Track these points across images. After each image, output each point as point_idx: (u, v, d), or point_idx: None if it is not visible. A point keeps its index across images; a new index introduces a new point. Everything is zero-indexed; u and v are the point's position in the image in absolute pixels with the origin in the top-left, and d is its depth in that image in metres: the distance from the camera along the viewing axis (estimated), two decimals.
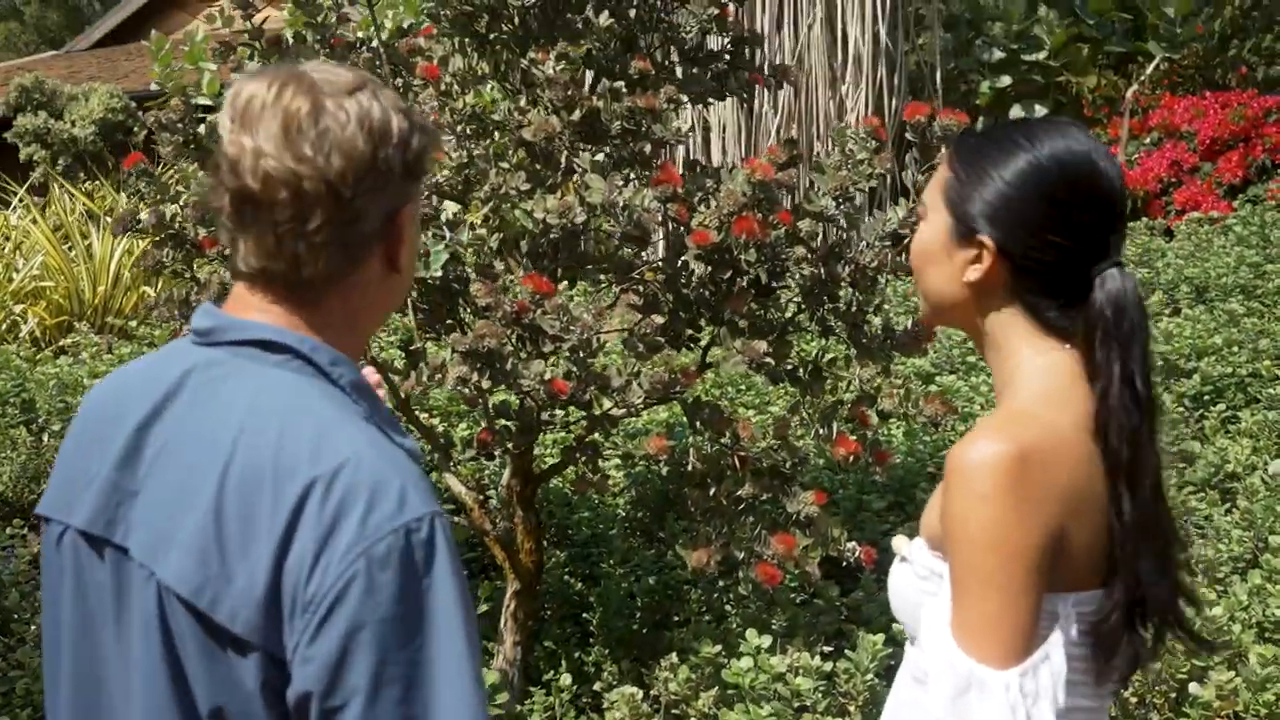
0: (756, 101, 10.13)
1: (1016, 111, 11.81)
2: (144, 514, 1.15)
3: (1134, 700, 2.96)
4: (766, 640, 2.99)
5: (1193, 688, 2.81)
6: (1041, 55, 11.59)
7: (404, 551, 1.08)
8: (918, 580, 1.44)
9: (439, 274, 2.86)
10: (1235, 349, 5.33)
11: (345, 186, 1.14)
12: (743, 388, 5.79)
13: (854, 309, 3.17)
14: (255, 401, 1.14)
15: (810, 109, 10.26)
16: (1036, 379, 1.37)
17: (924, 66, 11.38)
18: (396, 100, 1.21)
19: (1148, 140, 10.70)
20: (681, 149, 10.30)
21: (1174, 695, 2.94)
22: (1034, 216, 1.35)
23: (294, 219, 1.14)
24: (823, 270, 3.08)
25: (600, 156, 3.03)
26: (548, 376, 2.80)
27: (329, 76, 1.17)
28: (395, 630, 1.06)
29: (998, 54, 11.71)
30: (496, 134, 3.15)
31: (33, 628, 3.62)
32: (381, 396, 1.66)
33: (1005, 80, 11.76)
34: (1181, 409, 4.95)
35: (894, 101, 10.45)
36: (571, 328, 2.79)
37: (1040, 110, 11.65)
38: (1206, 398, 5.09)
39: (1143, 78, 11.22)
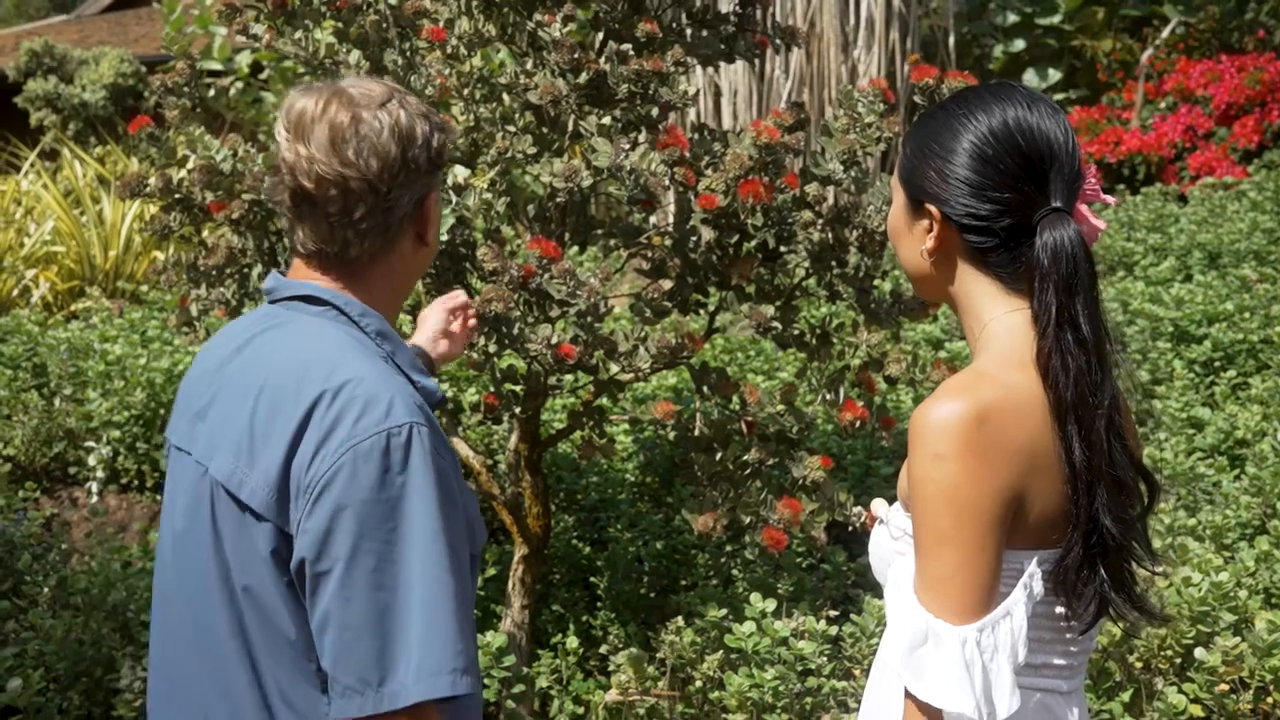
0: (767, 65, 10.06)
1: (1030, 76, 11.73)
2: (206, 429, 1.46)
3: (1139, 665, 2.96)
4: (771, 604, 3.00)
5: (1198, 653, 2.81)
6: (1056, 19, 11.49)
7: (384, 450, 1.33)
8: (891, 540, 1.46)
9: (445, 238, 2.85)
10: (1247, 315, 5.30)
11: (382, 183, 1.43)
12: (751, 353, 5.79)
13: (862, 274, 3.16)
14: (294, 340, 1.45)
15: (822, 73, 10.19)
16: (1000, 340, 1.39)
17: (937, 30, 11.28)
18: (420, 106, 1.49)
19: (1163, 105, 10.61)
20: (691, 113, 10.28)
21: (1179, 660, 2.94)
22: (970, 178, 1.38)
23: (342, 211, 1.44)
24: (830, 235, 3.06)
25: (607, 120, 3.01)
26: (554, 341, 2.80)
27: (364, 91, 1.46)
28: (372, 512, 1.32)
29: (1011, 17, 11.62)
30: (505, 97, 3.13)
31: (45, 590, 3.65)
32: (469, 318, 2.11)
33: (1019, 44, 11.67)
34: (1192, 375, 4.94)
35: (906, 65, 10.38)
36: (578, 292, 2.78)
37: (1054, 74, 11.56)
38: (1217, 364, 5.08)
39: (1158, 41, 11.11)
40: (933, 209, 1.42)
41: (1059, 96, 11.79)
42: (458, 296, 2.12)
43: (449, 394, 4.87)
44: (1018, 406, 1.32)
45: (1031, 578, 1.32)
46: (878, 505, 1.58)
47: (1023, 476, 1.31)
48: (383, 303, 1.52)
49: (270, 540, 1.36)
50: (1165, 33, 11.22)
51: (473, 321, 2.14)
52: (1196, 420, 4.47)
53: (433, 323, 2.07)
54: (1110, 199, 1.55)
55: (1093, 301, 1.35)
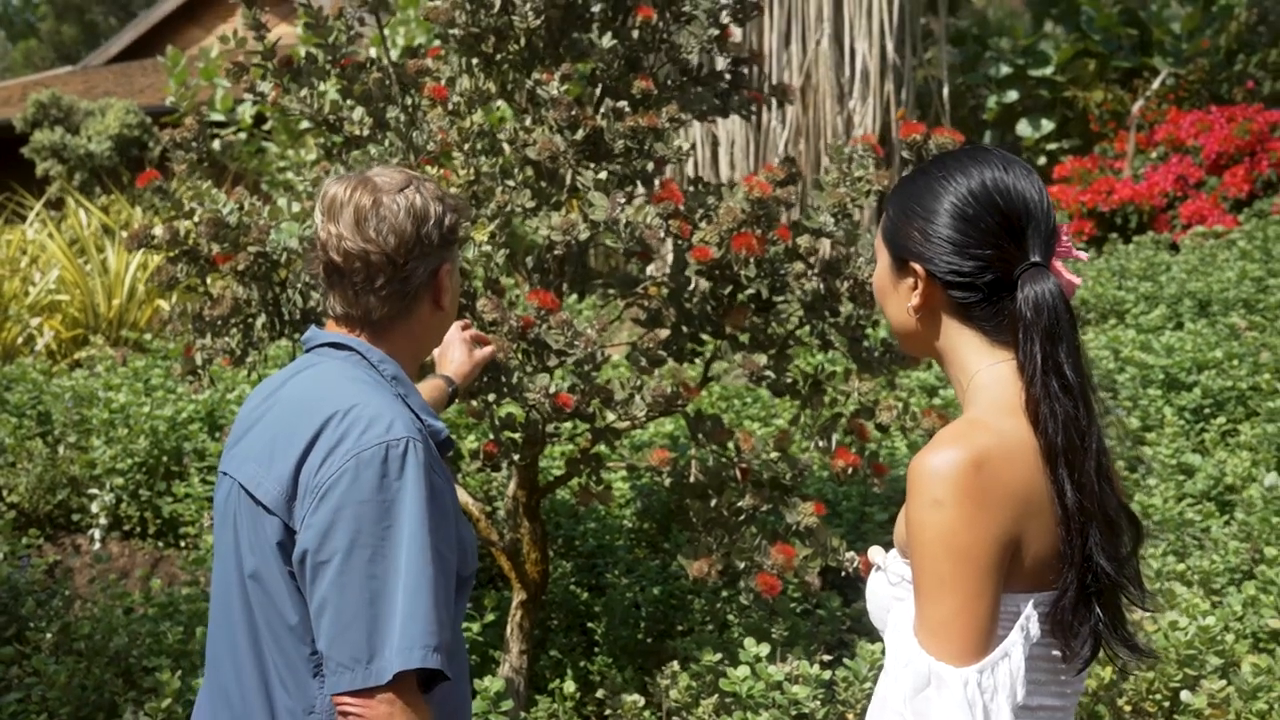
0: (765, 117, 10.20)
1: (1023, 126, 11.88)
2: (240, 451, 1.69)
3: (1128, 709, 3.00)
4: (765, 649, 3.04)
5: (1184, 696, 2.86)
6: (1048, 70, 11.65)
7: (383, 459, 1.54)
8: (889, 586, 1.51)
9: None
10: (1236, 362, 5.37)
11: (399, 256, 1.65)
12: (748, 400, 5.85)
13: (854, 323, 3.23)
14: (318, 378, 1.67)
15: (818, 124, 10.33)
16: (989, 390, 1.45)
17: (931, 82, 11.44)
18: (435, 189, 1.72)
19: (1154, 155, 10.74)
20: (690, 163, 10.41)
21: (1167, 704, 2.98)
22: (952, 236, 1.45)
23: (365, 281, 1.66)
24: (823, 285, 3.14)
25: (603, 174, 3.10)
26: (552, 390, 2.86)
27: (387, 179, 1.69)
28: (369, 512, 1.52)
29: (1004, 69, 11.78)
30: (506, 149, 3.21)
31: (49, 636, 3.69)
32: (474, 353, 2.38)
33: (1012, 95, 11.83)
34: (1182, 422, 5.00)
35: (896, 117, 10.52)
36: (576, 342, 2.85)
37: (1047, 125, 11.71)
38: (1207, 410, 5.14)
39: (1149, 92, 11.27)
40: (917, 267, 1.48)
41: (1052, 147, 11.94)
42: (467, 323, 2.44)
43: None
44: (1010, 452, 1.37)
45: (1028, 620, 1.37)
46: (875, 553, 1.62)
47: (1018, 520, 1.36)
48: (403, 357, 1.74)
49: (278, 533, 1.57)
50: (1156, 84, 11.37)
51: (486, 350, 2.43)
52: (1187, 466, 4.52)
53: (456, 349, 2.36)
54: (1083, 255, 1.63)
55: (1075, 350, 1.42)
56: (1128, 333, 6.11)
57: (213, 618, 1.74)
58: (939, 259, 1.46)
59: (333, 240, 1.65)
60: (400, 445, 1.55)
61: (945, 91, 10.96)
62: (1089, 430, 1.39)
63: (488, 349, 2.44)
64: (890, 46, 10.31)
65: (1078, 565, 1.38)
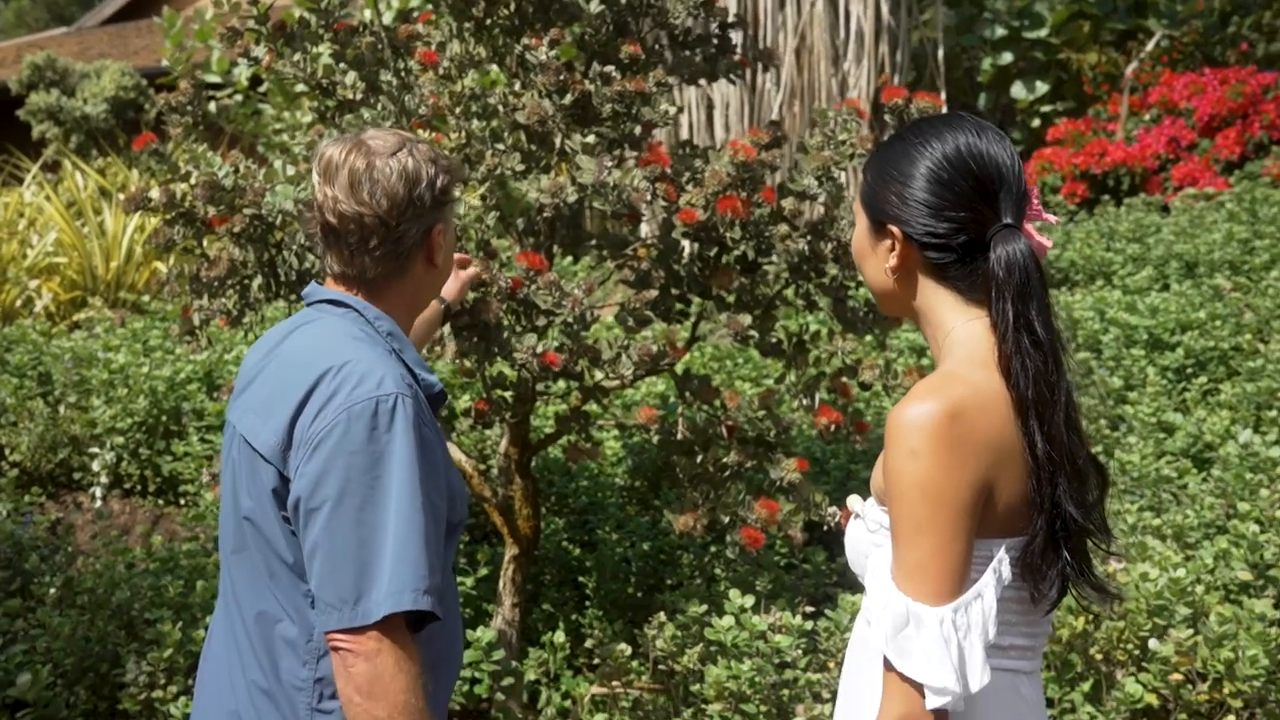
0: (759, 79, 10.21)
1: (1018, 88, 11.89)
2: (243, 402, 1.78)
3: (1100, 657, 3.10)
4: (749, 600, 3.13)
5: (1152, 644, 2.95)
6: (1043, 32, 11.65)
7: (373, 412, 1.62)
8: (868, 534, 1.59)
9: None
10: (1219, 323, 5.45)
11: (391, 218, 1.72)
12: (740, 361, 5.93)
13: (838, 284, 3.30)
14: (316, 334, 1.75)
15: (812, 85, 10.35)
16: (964, 345, 1.52)
17: (926, 43, 11.44)
18: (428, 151, 1.77)
19: (1147, 117, 10.77)
20: (685, 125, 10.44)
21: (1137, 653, 3.08)
22: (926, 199, 1.52)
23: (360, 242, 1.73)
24: (808, 247, 3.21)
25: (592, 138, 3.16)
26: (540, 350, 2.94)
27: (380, 142, 1.74)
28: (359, 462, 1.60)
29: (1000, 31, 11.77)
30: (500, 113, 3.27)
31: (52, 590, 3.78)
32: (459, 273, 2.49)
33: (1007, 57, 11.82)
34: (1165, 381, 5.08)
35: (896, 78, 10.53)
36: (563, 303, 2.92)
37: (1041, 87, 11.72)
38: (1189, 370, 5.23)
39: (1143, 55, 11.28)
40: (894, 229, 1.55)
41: (1046, 109, 11.95)
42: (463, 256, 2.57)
43: None
44: (984, 403, 1.45)
45: (1000, 563, 1.45)
46: (853, 501, 1.70)
47: (991, 468, 1.43)
48: (398, 314, 1.81)
49: (273, 480, 1.66)
50: (1150, 46, 11.38)
51: (470, 270, 2.54)
52: (1167, 425, 4.61)
53: (459, 275, 2.51)
54: (1052, 218, 1.70)
55: (1045, 308, 1.49)
56: (1114, 294, 6.18)
57: (221, 555, 1.83)
58: (915, 221, 1.53)
59: (328, 202, 1.72)
60: (390, 400, 1.62)
61: (940, 53, 10.96)
62: (1058, 384, 1.47)
63: (471, 269, 2.55)
64: (885, 8, 10.32)
65: (1047, 512, 1.46)
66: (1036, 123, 11.98)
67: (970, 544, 1.43)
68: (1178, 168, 9.78)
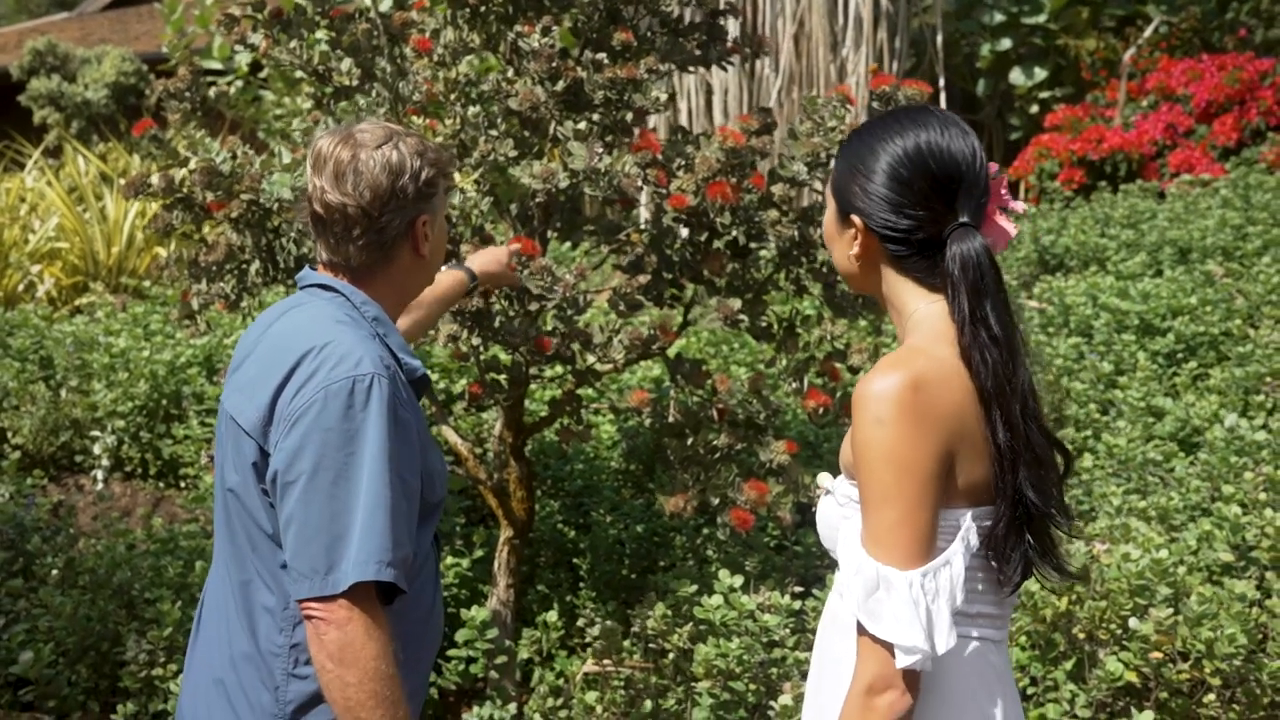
0: (758, 65, 10.23)
1: (1016, 74, 11.90)
2: (233, 383, 1.85)
3: (1082, 636, 3.15)
4: (739, 580, 3.19)
5: (1132, 623, 3.00)
6: (1042, 18, 11.65)
7: (349, 391, 1.69)
8: (838, 507, 1.64)
9: None
10: (1210, 308, 5.49)
11: (374, 209, 1.79)
12: (736, 345, 5.98)
13: (828, 269, 3.34)
14: (303, 317, 1.81)
15: (811, 71, 10.36)
16: (925, 324, 1.59)
17: (925, 29, 11.45)
18: (416, 144, 1.83)
19: (1145, 103, 10.78)
20: (685, 111, 10.46)
21: (1120, 631, 3.13)
22: (888, 195, 1.59)
23: (344, 231, 1.80)
24: (798, 232, 3.25)
25: (583, 125, 3.20)
26: (532, 334, 2.99)
27: (368, 135, 1.81)
28: (333, 439, 1.67)
29: (998, 16, 11.77)
30: (493, 99, 3.31)
31: (54, 570, 3.84)
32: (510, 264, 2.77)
33: (1006, 43, 11.83)
34: (1155, 366, 5.12)
35: (895, 64, 10.55)
36: (555, 287, 2.97)
37: (1040, 73, 11.73)
38: (1180, 355, 5.27)
39: (1141, 40, 11.29)
40: (857, 220, 1.62)
41: (1044, 95, 11.96)
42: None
43: (441, 384, 5.06)
44: (947, 376, 1.52)
45: (968, 531, 1.52)
46: (823, 478, 1.76)
47: (953, 438, 1.50)
48: (386, 300, 1.87)
49: (253, 454, 1.74)
50: (1148, 32, 11.39)
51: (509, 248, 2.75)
52: (1157, 409, 4.66)
53: (496, 252, 2.74)
54: (1020, 205, 1.74)
55: (1000, 303, 1.55)
56: (1106, 279, 6.22)
57: (215, 527, 1.91)
58: (876, 215, 1.59)
59: (316, 192, 1.79)
60: (366, 380, 1.69)
61: (939, 39, 10.98)
62: (1014, 376, 1.53)
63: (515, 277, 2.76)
64: None
65: (1009, 497, 1.53)
66: (1035, 109, 12.00)
67: (936, 510, 1.49)
68: (1175, 154, 9.80)
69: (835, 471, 1.73)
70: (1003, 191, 1.68)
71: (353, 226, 1.79)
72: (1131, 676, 2.96)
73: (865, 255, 1.63)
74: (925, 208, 1.57)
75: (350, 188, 1.77)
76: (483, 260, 2.68)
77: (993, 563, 1.55)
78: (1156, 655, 2.99)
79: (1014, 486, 1.52)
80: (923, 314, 1.59)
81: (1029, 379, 1.56)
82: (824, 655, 1.71)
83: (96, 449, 5.24)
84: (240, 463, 1.76)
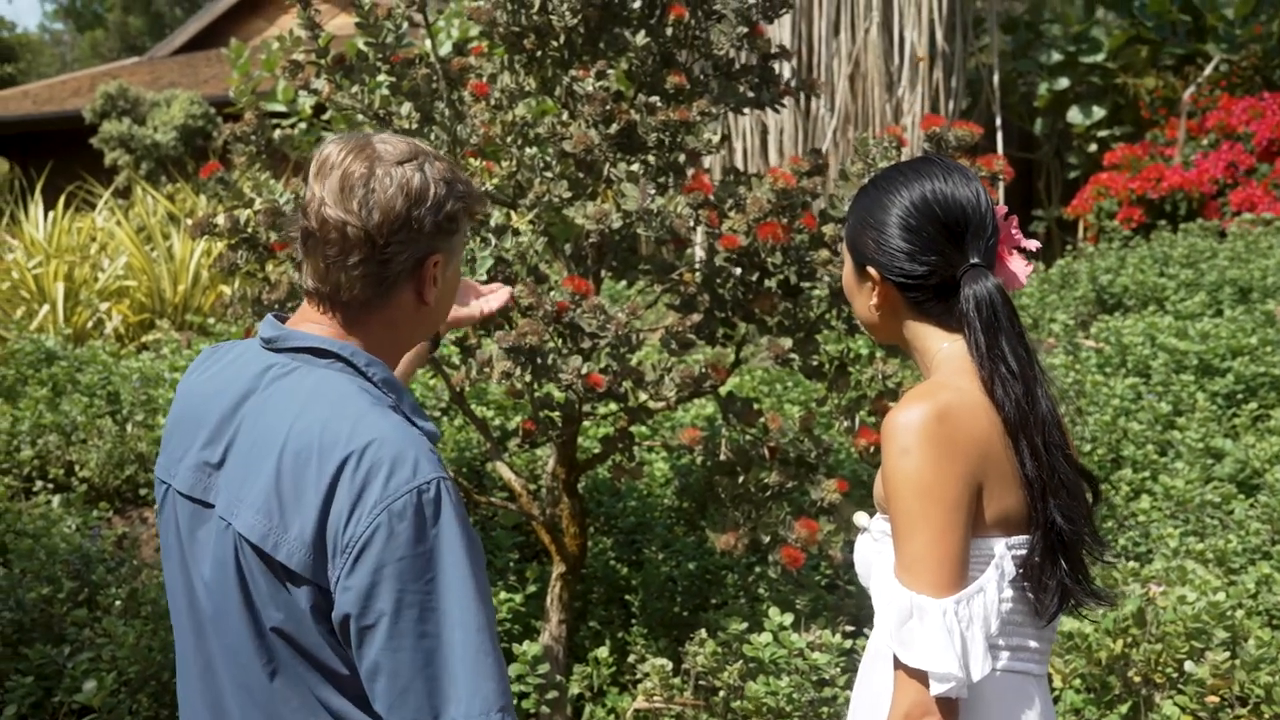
0: (813, 105, 10.29)
1: (1074, 114, 11.85)
2: (224, 481, 1.50)
3: (1138, 679, 3.12)
4: (789, 618, 3.20)
5: (1188, 666, 2.97)
6: (1100, 57, 11.61)
7: (416, 507, 1.40)
8: (873, 543, 1.67)
9: (484, 278, 3.10)
10: (1270, 349, 5.43)
11: (380, 236, 1.47)
12: (789, 384, 5.99)
13: None
14: (307, 396, 1.48)
15: (866, 111, 10.40)
16: (949, 362, 1.64)
17: (982, 69, 11.45)
18: (445, 170, 1.53)
19: (1205, 142, 10.69)
20: (740, 151, 10.52)
21: (1176, 675, 3.10)
22: (900, 246, 1.64)
23: (339, 255, 1.48)
24: None
25: (636, 166, 3.25)
26: (584, 372, 3.03)
27: (389, 148, 1.50)
28: (411, 567, 1.39)
29: (1056, 56, 11.75)
30: (548, 141, 3.38)
31: (118, 600, 3.92)
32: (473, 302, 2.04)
33: (1063, 82, 11.79)
34: (1214, 407, 5.07)
35: (950, 104, 10.56)
36: (607, 326, 3.02)
37: (1098, 112, 11.67)
38: (1240, 396, 5.21)
39: (1200, 79, 11.20)
40: (874, 272, 1.67)
41: (1103, 133, 11.89)
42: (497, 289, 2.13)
43: (496, 421, 5.12)
44: (972, 407, 1.56)
45: (1002, 559, 1.54)
46: (859, 517, 1.80)
47: (980, 466, 1.53)
48: (383, 350, 1.56)
49: (309, 597, 1.43)
50: (1208, 70, 11.31)
51: (494, 304, 2.06)
52: (1216, 451, 4.60)
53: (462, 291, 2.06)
54: (1033, 243, 1.78)
55: (1015, 338, 1.60)
56: (1165, 319, 6.17)
57: (207, 661, 1.55)
58: (891, 265, 1.65)
59: (314, 203, 1.48)
60: (431, 489, 1.42)
61: (996, 79, 10.97)
62: (1035, 407, 1.57)
63: (491, 302, 2.06)
64: (940, 34, 10.36)
65: (1042, 526, 1.56)
66: (1093, 147, 11.93)
67: (965, 537, 1.51)
68: (1236, 193, 9.71)
69: (873, 511, 1.75)
70: (1014, 231, 1.73)
71: (350, 251, 1.48)
72: None
73: (885, 304, 1.68)
74: (937, 253, 1.62)
75: (356, 205, 1.46)
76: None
77: (1029, 593, 1.57)
78: (1213, 699, 2.95)
79: (1045, 515, 1.56)
80: (945, 353, 1.64)
81: (1050, 410, 1.59)
82: (864, 689, 1.73)
83: None
84: (286, 604, 1.45)
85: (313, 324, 1.55)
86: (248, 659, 1.49)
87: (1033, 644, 1.62)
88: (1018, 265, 1.69)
